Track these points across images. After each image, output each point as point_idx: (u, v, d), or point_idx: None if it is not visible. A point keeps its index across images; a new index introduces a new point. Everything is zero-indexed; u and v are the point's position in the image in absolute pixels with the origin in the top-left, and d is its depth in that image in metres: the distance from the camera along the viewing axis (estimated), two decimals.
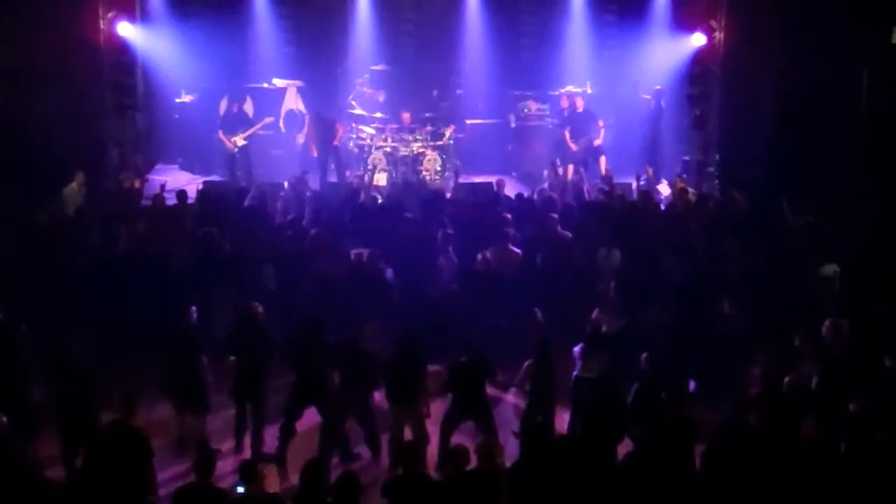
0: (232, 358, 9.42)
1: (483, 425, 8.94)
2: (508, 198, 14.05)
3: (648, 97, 16.98)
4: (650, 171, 16.13)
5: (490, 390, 9.34)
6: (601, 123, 16.52)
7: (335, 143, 16.48)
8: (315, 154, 16.60)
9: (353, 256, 11.64)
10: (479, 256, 11.51)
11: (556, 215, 12.53)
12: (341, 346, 9.21)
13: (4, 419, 7.54)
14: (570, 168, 16.31)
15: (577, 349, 9.38)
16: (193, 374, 9.32)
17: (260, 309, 9.52)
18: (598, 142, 16.46)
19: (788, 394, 8.18)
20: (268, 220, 13.09)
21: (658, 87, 16.86)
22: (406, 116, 17.29)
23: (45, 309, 10.45)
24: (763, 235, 12.25)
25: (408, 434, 8.97)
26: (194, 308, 9.61)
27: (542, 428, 7.96)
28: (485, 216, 12.99)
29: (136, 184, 14.88)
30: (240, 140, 16.17)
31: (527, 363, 9.05)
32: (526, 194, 14.56)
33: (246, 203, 13.42)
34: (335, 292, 11.09)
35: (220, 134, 16.28)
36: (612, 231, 12.29)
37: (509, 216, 12.69)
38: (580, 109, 16.54)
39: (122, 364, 10.03)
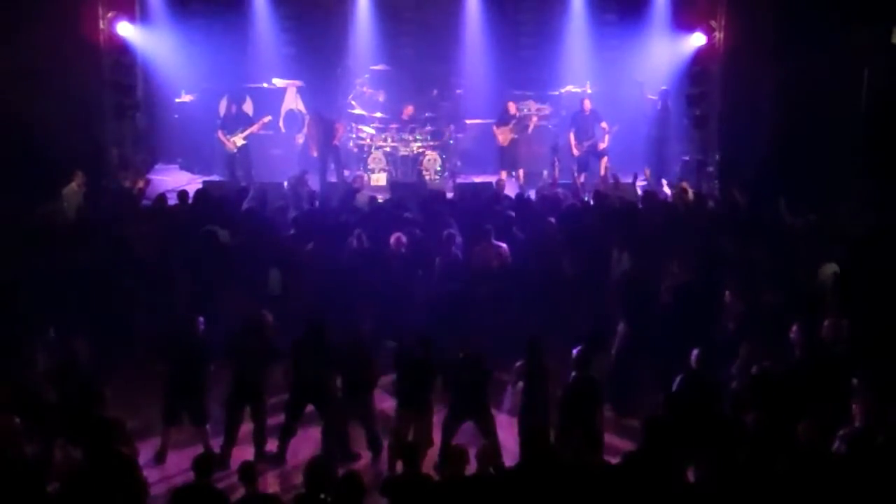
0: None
1: (483, 426, 8.91)
2: (508, 198, 14.04)
3: (654, 98, 16.96)
4: (648, 171, 16.09)
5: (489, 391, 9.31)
6: (605, 126, 16.48)
7: (335, 142, 16.49)
8: (315, 154, 16.60)
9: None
10: (476, 249, 11.44)
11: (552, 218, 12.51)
12: (343, 348, 9.19)
13: (17, 420, 7.54)
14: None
15: (575, 351, 9.35)
16: (196, 386, 9.13)
17: (269, 318, 9.33)
18: (602, 145, 16.44)
19: (785, 393, 8.18)
20: (269, 220, 13.07)
21: (664, 87, 16.85)
22: (409, 109, 17.27)
23: (45, 309, 10.44)
24: (762, 235, 12.23)
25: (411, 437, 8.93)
26: (201, 318, 9.38)
27: (540, 428, 7.95)
28: (485, 216, 12.97)
29: (140, 184, 14.81)
30: (239, 140, 16.17)
31: (519, 363, 9.03)
32: (525, 195, 14.54)
33: (246, 203, 13.41)
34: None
35: (220, 134, 16.28)
36: (618, 233, 12.24)
37: (514, 214, 12.68)
38: (587, 111, 16.49)
39: (126, 366, 10.03)
